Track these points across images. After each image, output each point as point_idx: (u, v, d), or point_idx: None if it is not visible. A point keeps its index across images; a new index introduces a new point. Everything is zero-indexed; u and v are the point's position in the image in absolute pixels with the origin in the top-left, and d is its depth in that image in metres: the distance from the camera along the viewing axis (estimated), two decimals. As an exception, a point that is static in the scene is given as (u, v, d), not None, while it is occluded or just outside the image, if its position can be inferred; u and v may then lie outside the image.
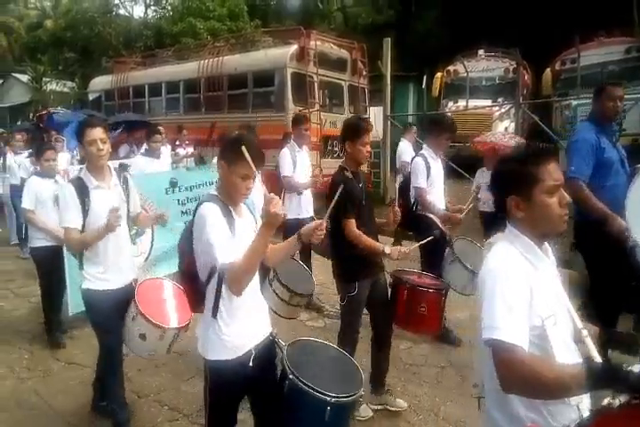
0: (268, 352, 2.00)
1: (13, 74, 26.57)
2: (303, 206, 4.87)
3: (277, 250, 2.06)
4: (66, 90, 23.23)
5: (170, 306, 2.66)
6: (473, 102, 10.46)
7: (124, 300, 2.59)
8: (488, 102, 10.65)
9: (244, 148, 1.74)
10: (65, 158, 6.18)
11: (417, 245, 3.08)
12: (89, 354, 3.77)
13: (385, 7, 20.17)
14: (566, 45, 9.90)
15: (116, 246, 2.66)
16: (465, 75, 11.27)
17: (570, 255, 5.39)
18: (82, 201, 2.51)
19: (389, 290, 3.05)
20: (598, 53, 9.78)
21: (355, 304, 2.90)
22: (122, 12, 23.75)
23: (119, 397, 2.78)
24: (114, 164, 5.07)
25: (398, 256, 2.72)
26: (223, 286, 1.84)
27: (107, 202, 2.55)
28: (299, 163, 4.90)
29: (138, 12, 25.16)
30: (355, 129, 2.87)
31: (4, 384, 3.33)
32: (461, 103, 11.08)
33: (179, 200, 4.63)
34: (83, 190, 2.53)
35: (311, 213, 4.95)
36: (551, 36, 10.83)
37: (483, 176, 5.28)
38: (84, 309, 3.27)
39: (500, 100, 10.78)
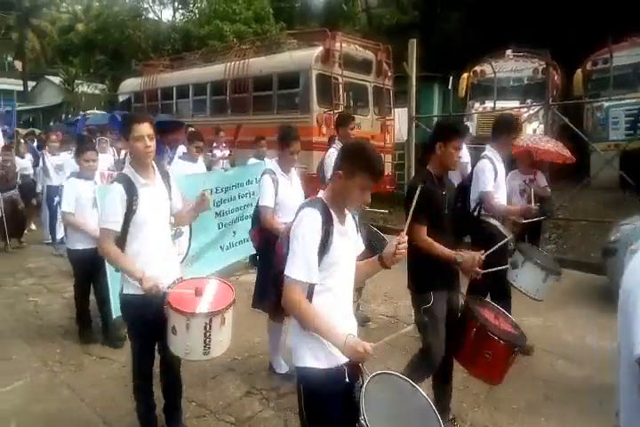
0: (353, 374, 1.81)
1: (46, 76, 27.45)
2: None
3: (358, 270, 1.94)
4: (97, 92, 23.87)
5: (205, 297, 2.39)
6: (500, 104, 10.27)
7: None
8: (516, 104, 10.45)
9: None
10: (108, 160, 6.09)
11: (489, 251, 2.81)
12: (119, 349, 3.88)
13: (410, 8, 20.04)
14: (598, 45, 9.65)
15: (158, 249, 2.53)
16: (492, 75, 11.08)
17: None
18: (130, 200, 2.39)
19: (460, 315, 2.77)
20: (631, 54, 9.50)
21: (433, 321, 2.63)
22: (151, 15, 24.21)
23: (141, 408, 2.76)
24: None
25: (473, 265, 2.53)
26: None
27: (154, 200, 2.49)
28: None
29: (166, 15, 25.54)
30: (450, 130, 2.72)
31: (39, 377, 3.44)
32: (488, 104, 10.89)
33: (214, 202, 4.60)
34: (131, 188, 2.41)
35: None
36: (582, 36, 10.57)
37: (515, 179, 5.12)
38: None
39: (528, 101, 10.56)
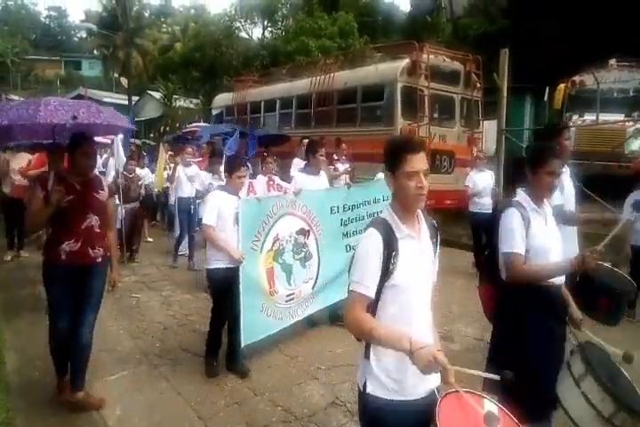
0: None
1: (148, 91, 29.97)
2: None
3: None
4: (192, 106, 25.62)
5: None
6: (603, 117, 9.57)
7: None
8: (620, 117, 9.68)
9: None
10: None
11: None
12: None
13: (498, 16, 19.36)
14: None
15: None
16: (593, 86, 10.37)
17: None
18: (386, 257, 1.65)
19: None
20: None
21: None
22: (242, 34, 25.65)
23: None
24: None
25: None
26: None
27: (416, 257, 1.73)
28: None
29: (256, 33, 26.86)
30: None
31: (140, 369, 3.72)
32: (588, 117, 10.20)
33: (341, 220, 4.46)
34: (390, 241, 1.67)
35: None
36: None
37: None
38: (258, 338, 3.75)
39: (635, 114, 9.74)
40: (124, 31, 28.78)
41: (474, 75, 9.77)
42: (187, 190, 6.78)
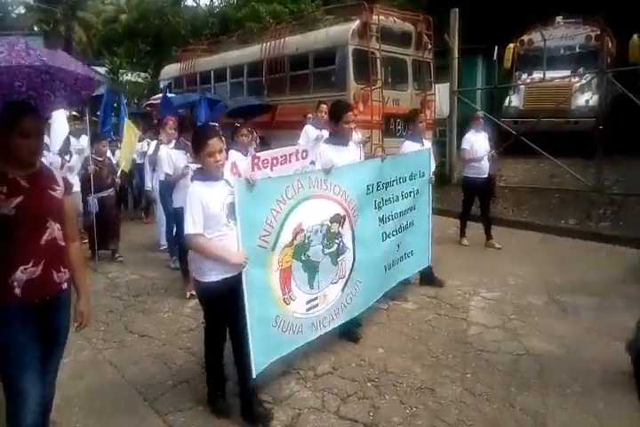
0: None
1: (92, 67, 28.27)
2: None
3: None
4: (140, 80, 24.37)
5: None
6: (550, 74, 9.61)
7: None
8: (567, 73, 9.76)
9: None
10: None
11: None
12: (160, 327, 3.94)
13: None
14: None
15: None
16: (541, 44, 10.37)
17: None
18: None
19: None
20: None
21: None
22: (189, 1, 24.36)
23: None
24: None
25: None
26: None
27: None
28: None
29: (204, 0, 25.53)
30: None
31: (83, 354, 3.52)
32: (537, 75, 10.25)
33: (375, 202, 3.63)
34: None
35: None
36: (635, 1, 9.64)
37: None
38: (271, 361, 2.86)
39: (580, 70, 9.84)
40: (65, 4, 26.77)
41: (425, 36, 9.58)
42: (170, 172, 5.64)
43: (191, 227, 2.53)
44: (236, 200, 2.57)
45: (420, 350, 3.44)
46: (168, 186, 4.76)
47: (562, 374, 3.06)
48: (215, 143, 2.56)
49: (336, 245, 3.22)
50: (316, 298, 3.12)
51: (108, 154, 6.45)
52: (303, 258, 3.02)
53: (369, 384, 3.04)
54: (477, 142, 6.03)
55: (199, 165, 3.43)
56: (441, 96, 10.07)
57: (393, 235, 3.85)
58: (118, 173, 6.33)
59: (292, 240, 2.91)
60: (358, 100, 8.52)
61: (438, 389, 2.96)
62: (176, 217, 4.46)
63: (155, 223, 6.64)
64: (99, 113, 7.60)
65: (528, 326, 3.78)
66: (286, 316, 2.92)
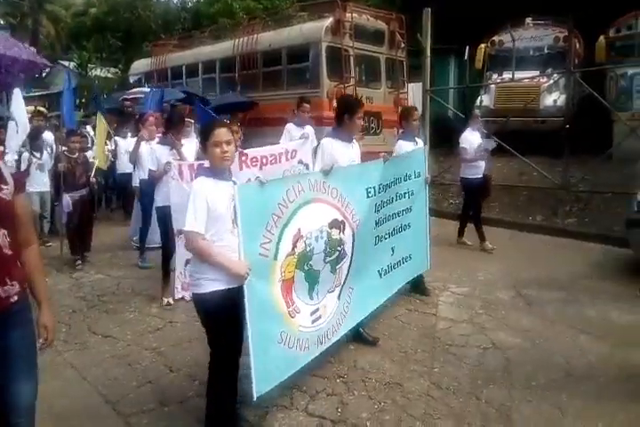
0: None
1: (60, 61, 27.40)
2: None
3: None
4: (110, 75, 23.78)
5: None
6: (519, 74, 9.81)
7: None
8: (536, 73, 9.98)
9: None
10: (193, 148, 4.62)
11: None
12: (125, 327, 3.83)
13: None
14: (620, 12, 9.08)
15: None
16: (511, 45, 10.59)
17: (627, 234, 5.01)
18: None
19: None
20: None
21: None
22: (161, -4, 23.87)
23: None
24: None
25: None
26: None
27: None
28: None
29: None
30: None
31: (42, 357, 3.34)
32: (507, 75, 10.44)
33: (375, 205, 3.43)
34: None
35: None
36: (603, 3, 9.94)
37: None
38: (276, 383, 2.58)
39: (548, 70, 10.08)
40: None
41: (398, 35, 9.64)
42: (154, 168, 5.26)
43: (192, 223, 2.25)
44: (238, 206, 2.29)
45: (389, 346, 3.44)
46: (151, 183, 4.45)
47: (527, 366, 3.11)
48: (222, 133, 2.35)
49: (337, 253, 3.00)
50: (317, 309, 2.89)
51: (89, 153, 6.24)
52: (306, 268, 2.78)
53: (338, 381, 3.02)
54: (476, 141, 5.87)
55: (183, 162, 3.39)
56: (414, 95, 10.14)
57: (385, 238, 3.63)
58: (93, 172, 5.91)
59: (293, 248, 2.66)
60: (332, 97, 8.51)
61: (406, 383, 2.96)
62: (160, 217, 4.27)
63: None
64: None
65: (495, 320, 3.84)
66: (292, 331, 2.65)
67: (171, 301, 4.23)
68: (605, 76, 9.89)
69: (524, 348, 3.38)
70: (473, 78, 11.75)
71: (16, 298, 1.84)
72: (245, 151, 4.31)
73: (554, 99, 10.13)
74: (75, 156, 5.55)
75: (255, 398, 2.42)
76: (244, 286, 2.32)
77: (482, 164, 5.87)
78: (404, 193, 3.82)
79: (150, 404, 2.80)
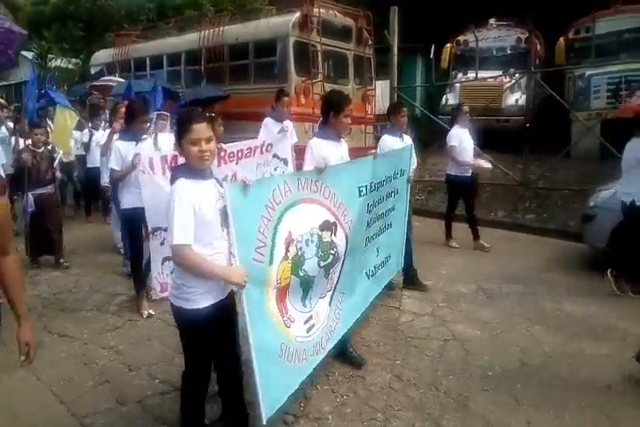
0: None
1: (19, 52, 26.26)
2: None
3: None
4: (71, 66, 22.91)
5: None
6: (483, 73, 10.02)
7: None
8: (499, 73, 10.23)
9: None
10: (168, 144, 4.23)
11: None
12: (82, 326, 3.71)
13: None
14: (581, 13, 9.41)
15: None
16: (475, 45, 10.81)
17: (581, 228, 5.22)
18: None
19: None
20: (614, 21, 9.28)
21: None
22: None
23: None
24: None
25: None
26: None
27: None
28: None
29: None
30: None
31: (-6, 356, 3.25)
32: (471, 75, 10.64)
33: (367, 205, 3.25)
34: None
35: None
36: (565, 4, 10.29)
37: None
38: (282, 402, 2.34)
39: (511, 70, 10.35)
40: (-11, -16, 24.60)
41: (365, 31, 9.68)
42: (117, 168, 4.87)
43: (181, 236, 1.97)
44: (230, 206, 2.06)
45: (353, 340, 3.44)
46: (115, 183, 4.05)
47: (485, 357, 3.20)
48: (201, 129, 2.07)
49: (331, 257, 2.78)
50: (311, 317, 2.68)
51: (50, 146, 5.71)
52: (301, 274, 2.57)
53: (301, 375, 3.02)
54: (466, 138, 5.76)
55: (154, 153, 3.21)
56: (382, 92, 10.22)
57: (373, 238, 3.48)
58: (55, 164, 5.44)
59: (286, 252, 2.44)
60: (299, 92, 8.48)
61: (369, 376, 2.99)
62: (127, 220, 3.91)
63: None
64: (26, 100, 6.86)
65: (456, 312, 3.93)
66: (290, 342, 2.44)
67: (151, 312, 3.87)
68: (565, 77, 10.24)
69: (483, 339, 3.47)
70: (439, 77, 11.94)
71: None
72: (224, 146, 4.08)
73: (516, 98, 10.42)
74: (40, 150, 5.15)
75: (265, 422, 2.19)
76: (243, 296, 2.08)
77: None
78: (391, 192, 3.68)
79: (107, 404, 2.73)
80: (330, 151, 3.16)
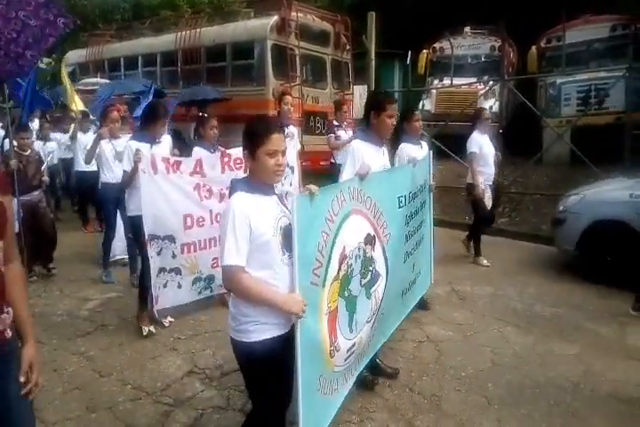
0: None
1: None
2: None
3: None
4: (43, 66, 22.34)
5: None
6: (458, 80, 10.24)
7: None
8: (473, 80, 10.45)
9: None
10: (167, 146, 4.01)
11: None
12: (51, 332, 3.62)
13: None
14: (552, 23, 9.71)
15: None
16: (450, 52, 11.04)
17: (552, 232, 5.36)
18: None
19: None
20: (584, 31, 9.62)
21: None
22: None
23: None
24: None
25: None
26: None
27: None
28: None
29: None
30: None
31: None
32: (447, 81, 10.86)
33: (405, 217, 2.98)
34: None
35: None
36: (537, 14, 10.60)
37: None
38: None
39: (485, 78, 10.59)
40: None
41: (343, 36, 9.77)
42: (115, 173, 4.57)
43: (234, 255, 1.74)
44: (296, 221, 1.81)
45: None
46: (115, 189, 3.88)
47: (458, 358, 3.25)
48: (279, 140, 1.86)
49: (370, 274, 2.48)
50: (354, 344, 2.35)
51: (38, 146, 5.59)
52: (346, 294, 2.27)
53: (276, 379, 3.01)
54: (486, 145, 5.32)
55: (157, 154, 3.14)
56: (360, 97, 10.33)
57: (412, 254, 3.19)
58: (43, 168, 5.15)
59: (339, 271, 2.16)
60: (277, 96, 8.47)
61: (344, 379, 3.00)
62: (136, 228, 3.56)
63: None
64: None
65: (430, 314, 3.98)
66: (328, 373, 2.16)
67: (152, 329, 3.60)
68: (537, 85, 10.53)
69: (456, 340, 3.53)
70: (416, 83, 12.14)
71: (10, 333, 1.47)
72: (229, 151, 3.81)
73: (490, 105, 10.61)
74: (27, 153, 4.86)
75: None
76: (298, 325, 1.84)
77: (490, 170, 5.34)
78: (422, 202, 3.39)
79: (76, 411, 2.67)
80: (371, 156, 2.85)
